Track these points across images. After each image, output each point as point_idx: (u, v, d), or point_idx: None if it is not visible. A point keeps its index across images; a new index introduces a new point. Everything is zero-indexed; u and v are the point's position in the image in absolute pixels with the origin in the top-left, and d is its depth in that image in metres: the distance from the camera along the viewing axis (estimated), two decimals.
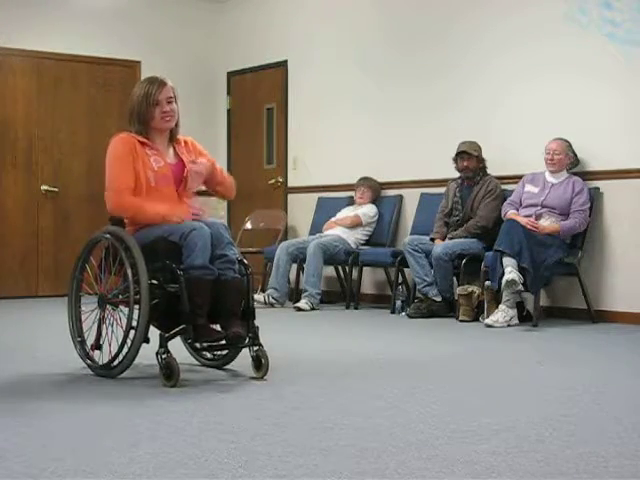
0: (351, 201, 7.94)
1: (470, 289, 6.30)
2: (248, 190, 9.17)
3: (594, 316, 6.21)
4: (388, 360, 4.56)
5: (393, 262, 7.03)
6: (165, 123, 4.13)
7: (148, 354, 3.94)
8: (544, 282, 6.11)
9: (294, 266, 7.63)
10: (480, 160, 6.81)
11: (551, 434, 2.89)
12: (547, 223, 6.17)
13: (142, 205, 4.02)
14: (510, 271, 5.84)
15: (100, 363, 4.05)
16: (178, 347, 4.08)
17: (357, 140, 8.07)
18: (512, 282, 5.81)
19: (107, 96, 8.84)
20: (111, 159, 4.10)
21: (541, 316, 6.09)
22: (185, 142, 4.30)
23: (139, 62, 8.95)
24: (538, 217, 6.22)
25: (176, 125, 4.21)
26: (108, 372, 3.99)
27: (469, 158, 6.77)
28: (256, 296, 6.61)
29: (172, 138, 4.23)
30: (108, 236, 4.08)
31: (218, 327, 3.95)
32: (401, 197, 7.70)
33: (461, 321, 6.28)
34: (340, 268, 7.90)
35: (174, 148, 4.24)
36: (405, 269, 7.05)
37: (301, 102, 8.64)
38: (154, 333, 3.89)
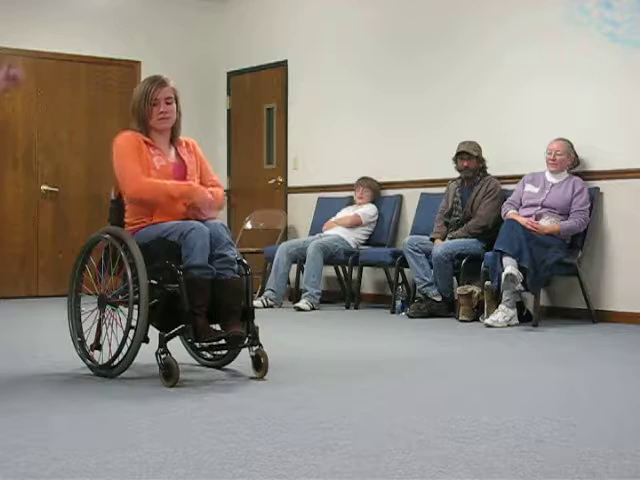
0: (351, 201, 7.94)
1: (470, 289, 6.29)
2: (248, 190, 9.18)
3: (594, 316, 6.21)
4: (388, 360, 4.56)
5: (393, 262, 7.03)
6: (162, 123, 4.13)
7: (148, 354, 3.94)
8: (544, 282, 6.11)
9: (294, 266, 7.63)
10: (480, 160, 6.81)
11: (551, 434, 2.89)
12: (547, 223, 6.17)
13: (163, 183, 4.02)
14: (509, 267, 5.83)
15: (100, 363, 4.05)
16: (178, 347, 4.09)
17: (357, 140, 8.07)
18: (511, 277, 5.80)
19: (107, 96, 8.84)
20: (120, 153, 4.10)
21: (541, 316, 6.08)
22: (187, 143, 4.30)
23: (139, 62, 8.95)
24: (538, 217, 6.23)
25: (176, 126, 4.21)
26: (108, 372, 3.99)
27: (469, 158, 6.78)
28: (254, 302, 6.60)
29: (173, 139, 4.24)
30: (107, 236, 4.08)
31: (218, 327, 3.96)
32: (401, 197, 7.70)
33: (461, 321, 6.28)
34: (340, 268, 7.90)
35: (175, 149, 4.24)
36: (405, 269, 7.05)
37: (301, 102, 8.64)
38: (154, 333, 3.89)
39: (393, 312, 6.91)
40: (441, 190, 7.12)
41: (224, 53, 9.43)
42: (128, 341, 3.89)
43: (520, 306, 6.18)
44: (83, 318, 4.23)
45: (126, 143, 4.11)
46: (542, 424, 3.03)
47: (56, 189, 8.55)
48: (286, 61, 8.77)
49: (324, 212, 8.07)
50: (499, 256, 5.97)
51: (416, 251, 6.69)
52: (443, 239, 6.76)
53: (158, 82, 4.13)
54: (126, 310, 3.90)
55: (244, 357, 4.08)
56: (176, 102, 4.18)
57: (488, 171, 6.85)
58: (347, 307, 7.35)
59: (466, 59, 7.19)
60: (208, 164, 4.37)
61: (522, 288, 5.95)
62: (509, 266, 5.84)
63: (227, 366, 4.22)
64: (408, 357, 4.69)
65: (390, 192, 7.77)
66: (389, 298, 7.25)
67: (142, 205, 4.09)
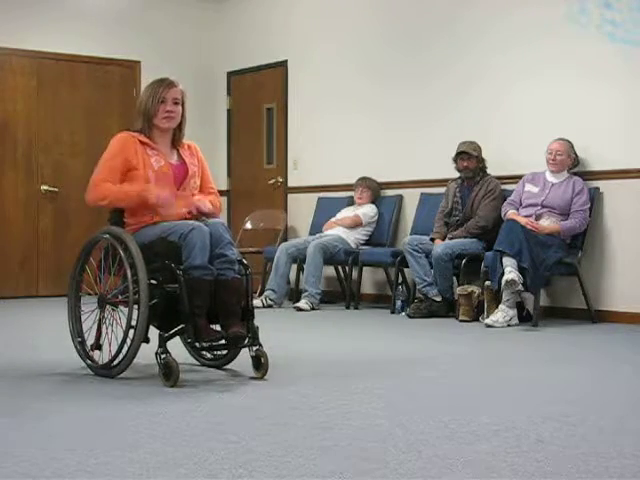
0: (351, 201, 7.94)
1: (470, 289, 6.29)
2: (248, 190, 9.18)
3: (594, 316, 6.21)
4: (388, 360, 4.56)
5: (393, 262, 7.03)
6: (166, 122, 4.15)
7: (148, 354, 3.94)
8: (544, 282, 6.11)
9: (294, 266, 7.63)
10: (480, 160, 6.81)
11: (551, 434, 2.89)
12: (547, 223, 6.17)
13: (118, 187, 4.06)
14: (510, 271, 5.84)
15: (100, 363, 4.06)
16: (178, 347, 4.09)
17: (357, 140, 8.07)
18: (512, 282, 5.82)
19: (107, 96, 8.84)
20: (102, 158, 4.17)
21: (541, 316, 6.08)
22: (189, 146, 4.32)
23: (139, 62, 8.96)
24: (538, 217, 6.23)
25: (180, 129, 4.24)
26: (108, 372, 3.99)
27: (469, 158, 6.78)
28: (254, 301, 6.60)
29: (175, 141, 4.25)
30: (107, 236, 4.08)
31: (218, 327, 3.96)
32: (401, 197, 7.70)
33: (461, 321, 6.28)
34: (340, 268, 7.89)
35: (177, 151, 4.26)
36: (405, 269, 7.05)
37: (301, 102, 8.64)
38: (154, 333, 3.89)
39: (393, 312, 6.91)
40: (441, 190, 7.11)
41: (224, 53, 9.43)
42: (128, 341, 3.89)
43: (520, 306, 6.18)
44: (83, 318, 4.23)
45: (112, 147, 4.16)
46: (542, 424, 3.03)
47: (56, 189, 8.55)
48: (286, 61, 8.77)
49: (324, 212, 8.07)
50: (499, 256, 5.97)
51: (416, 251, 6.69)
52: (443, 239, 6.76)
53: (168, 82, 4.19)
54: (126, 310, 3.90)
55: (244, 357, 4.08)
56: (182, 105, 4.20)
57: (488, 171, 6.85)
58: (347, 307, 7.35)
59: (466, 58, 7.18)
60: (209, 171, 4.39)
61: (522, 288, 5.95)
62: (510, 271, 5.83)
63: (227, 366, 4.22)
64: (408, 357, 4.69)
65: (390, 192, 7.77)
66: (389, 298, 7.25)
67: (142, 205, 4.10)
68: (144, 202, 4.03)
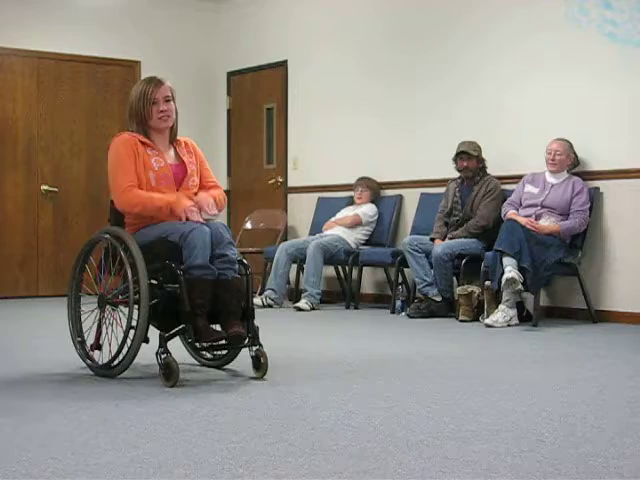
0: (351, 201, 7.94)
1: (470, 289, 6.30)
2: (248, 190, 9.19)
3: (594, 316, 6.21)
4: (388, 360, 4.56)
5: (393, 262, 7.03)
6: (162, 122, 4.14)
7: (148, 354, 3.94)
8: (544, 282, 6.11)
9: (294, 266, 7.64)
10: (480, 160, 6.81)
11: (551, 434, 2.89)
12: (547, 223, 6.17)
13: (150, 196, 4.02)
14: (510, 270, 5.84)
15: (100, 363, 4.06)
16: (178, 347, 4.09)
17: (357, 140, 8.07)
18: (512, 281, 5.82)
19: (107, 96, 8.84)
20: (113, 160, 4.11)
21: (541, 316, 6.09)
22: (185, 143, 4.31)
23: (139, 62, 8.96)
24: (538, 217, 6.23)
25: (174, 125, 4.22)
26: (108, 372, 3.99)
27: (469, 158, 6.78)
28: (254, 300, 6.60)
29: (172, 138, 4.25)
30: (107, 236, 4.08)
31: (218, 327, 3.96)
32: (401, 197, 7.70)
33: (461, 321, 6.28)
34: (340, 268, 7.90)
35: (175, 148, 4.25)
36: (405, 269, 7.05)
37: (301, 102, 8.65)
38: (154, 333, 3.89)
39: (393, 312, 6.92)
40: (441, 190, 7.12)
41: (224, 53, 9.43)
42: (128, 341, 3.90)
43: (520, 306, 6.18)
44: (83, 318, 4.23)
45: (121, 148, 4.09)
46: (542, 424, 3.03)
47: (56, 189, 8.55)
48: (286, 61, 8.77)
49: (324, 212, 8.07)
50: (499, 256, 5.97)
51: (416, 251, 6.70)
52: (443, 239, 6.76)
53: (155, 82, 4.14)
54: (126, 310, 3.90)
55: (244, 357, 4.08)
56: (173, 101, 4.19)
57: (488, 171, 6.85)
58: (347, 307, 7.35)
59: (465, 58, 7.19)
60: (208, 165, 4.38)
61: (522, 288, 5.95)
62: (509, 270, 5.83)
63: (227, 366, 4.22)
64: (408, 357, 4.69)
65: (390, 192, 7.78)
66: (389, 298, 7.25)
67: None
68: (172, 213, 4.02)
